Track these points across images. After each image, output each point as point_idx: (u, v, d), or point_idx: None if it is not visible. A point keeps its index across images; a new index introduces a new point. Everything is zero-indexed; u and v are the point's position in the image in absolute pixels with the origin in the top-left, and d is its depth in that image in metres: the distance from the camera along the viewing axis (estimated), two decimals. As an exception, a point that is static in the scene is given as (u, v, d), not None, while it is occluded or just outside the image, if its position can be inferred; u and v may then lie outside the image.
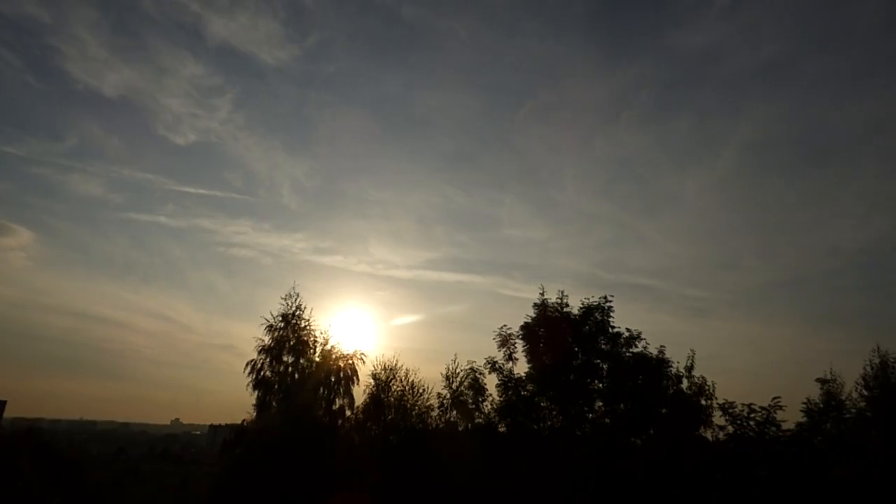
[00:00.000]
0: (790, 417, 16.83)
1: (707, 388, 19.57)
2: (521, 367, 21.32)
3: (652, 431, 19.61)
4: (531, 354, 21.09)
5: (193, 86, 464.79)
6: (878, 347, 24.53)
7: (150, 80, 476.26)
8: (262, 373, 23.64)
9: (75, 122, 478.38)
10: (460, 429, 22.54)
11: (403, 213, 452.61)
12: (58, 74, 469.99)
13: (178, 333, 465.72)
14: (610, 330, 20.53)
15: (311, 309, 25.11)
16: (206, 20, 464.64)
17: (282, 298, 24.95)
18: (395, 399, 25.01)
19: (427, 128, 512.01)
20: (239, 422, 24.17)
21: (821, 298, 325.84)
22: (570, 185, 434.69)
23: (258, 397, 23.45)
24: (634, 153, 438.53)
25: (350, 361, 24.73)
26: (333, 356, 24.59)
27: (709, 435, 19.16)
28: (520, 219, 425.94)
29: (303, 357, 24.23)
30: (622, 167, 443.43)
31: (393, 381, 25.41)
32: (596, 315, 20.69)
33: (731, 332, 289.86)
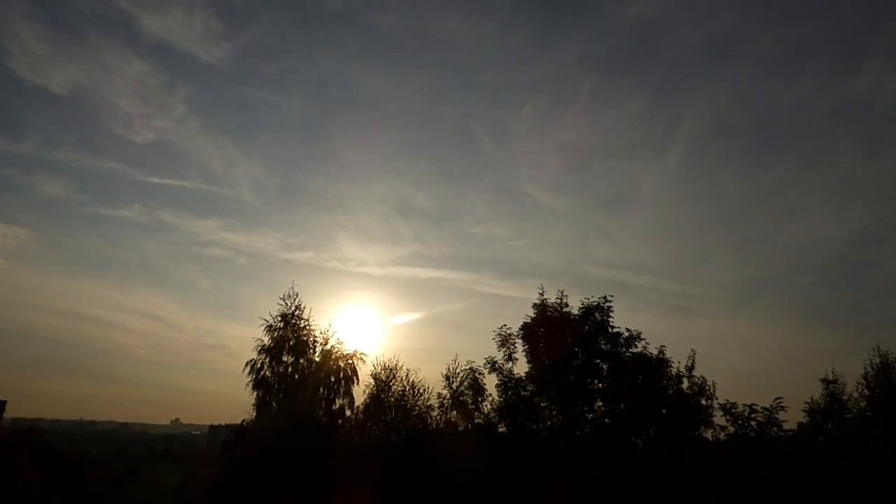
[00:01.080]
0: (789, 417, 16.83)
1: (707, 387, 19.58)
2: (521, 368, 21.35)
3: (652, 431, 19.60)
4: (531, 354, 21.10)
5: (142, 84, 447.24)
6: (878, 347, 24.56)
7: (98, 78, 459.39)
8: (261, 373, 23.60)
9: (30, 120, 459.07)
10: (460, 429, 22.53)
11: (364, 207, 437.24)
12: (3, 72, 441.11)
13: (168, 333, 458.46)
14: (610, 330, 20.53)
15: (311, 309, 25.12)
16: (139, 17, 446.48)
17: (280, 298, 24.90)
18: (395, 399, 25.00)
19: (375, 113, 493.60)
20: (239, 422, 24.15)
21: (808, 294, 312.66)
22: (526, 176, 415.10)
23: (258, 397, 23.40)
24: (587, 142, 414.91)
25: (350, 361, 24.67)
26: (333, 356, 24.54)
27: (709, 435, 19.16)
28: (483, 214, 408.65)
29: (303, 357, 24.16)
30: (576, 157, 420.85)
31: (393, 382, 25.42)
32: (596, 315, 20.69)
33: (719, 331, 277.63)
